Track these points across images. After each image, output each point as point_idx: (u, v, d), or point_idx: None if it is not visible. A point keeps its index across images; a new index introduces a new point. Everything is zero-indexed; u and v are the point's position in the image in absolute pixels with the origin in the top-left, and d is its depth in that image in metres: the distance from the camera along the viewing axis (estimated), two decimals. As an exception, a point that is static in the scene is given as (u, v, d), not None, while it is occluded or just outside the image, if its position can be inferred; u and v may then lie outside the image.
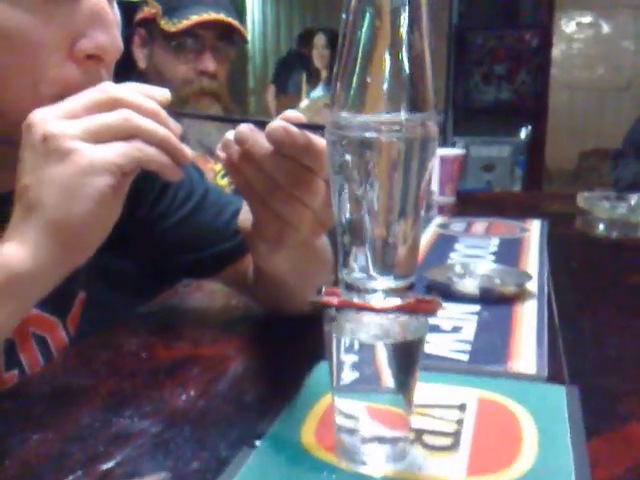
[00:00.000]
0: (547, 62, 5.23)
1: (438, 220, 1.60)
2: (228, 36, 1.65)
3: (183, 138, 0.64)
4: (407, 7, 0.45)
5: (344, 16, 0.46)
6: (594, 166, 4.81)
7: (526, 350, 0.77)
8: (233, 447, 0.56)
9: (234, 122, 0.64)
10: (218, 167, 1.65)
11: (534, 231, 1.45)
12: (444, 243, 1.34)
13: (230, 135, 0.61)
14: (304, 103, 3.30)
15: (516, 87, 5.24)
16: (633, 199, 1.74)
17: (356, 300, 0.49)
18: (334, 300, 0.51)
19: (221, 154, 0.63)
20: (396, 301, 0.49)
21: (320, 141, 0.59)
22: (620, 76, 5.31)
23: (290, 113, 0.60)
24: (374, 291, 0.49)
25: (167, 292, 1.01)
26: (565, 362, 0.74)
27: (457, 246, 1.31)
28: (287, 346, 0.80)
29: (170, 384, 0.69)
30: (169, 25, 1.56)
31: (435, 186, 1.87)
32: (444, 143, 4.71)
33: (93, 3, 0.66)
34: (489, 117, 5.17)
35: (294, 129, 0.58)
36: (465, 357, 0.75)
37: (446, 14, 5.11)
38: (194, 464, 0.53)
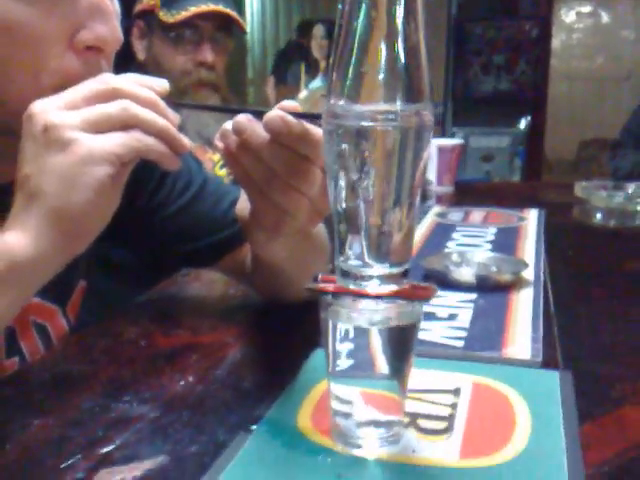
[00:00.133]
0: (546, 52, 5.21)
1: (436, 209, 1.61)
2: (226, 27, 1.65)
3: (181, 128, 0.65)
4: (403, -2, 0.46)
5: (340, 6, 0.47)
6: (593, 156, 4.81)
7: (521, 336, 0.78)
8: (231, 431, 0.57)
9: (232, 112, 0.65)
10: (216, 157, 1.65)
11: (531, 220, 1.46)
12: (441, 232, 1.35)
13: (228, 125, 0.62)
14: (303, 94, 3.30)
15: (515, 77, 5.22)
16: (630, 188, 1.75)
17: (352, 287, 0.50)
18: (330, 287, 0.51)
19: (219, 144, 0.63)
20: (391, 287, 0.50)
21: (317, 130, 0.59)
22: (620, 66, 5.30)
23: (287, 103, 0.61)
24: (370, 278, 0.50)
25: (166, 281, 1.01)
26: (560, 348, 0.75)
27: (454, 235, 1.32)
28: (284, 334, 0.81)
29: (169, 371, 0.70)
30: (168, 16, 1.56)
31: (433, 176, 1.87)
32: (443, 134, 4.71)
33: None
34: (488, 107, 5.16)
35: (291, 118, 0.59)
36: (460, 343, 0.76)
37: (445, 5, 5.10)
38: (192, 448, 0.54)
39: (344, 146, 0.48)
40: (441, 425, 0.58)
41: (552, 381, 0.66)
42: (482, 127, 4.96)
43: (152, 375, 0.69)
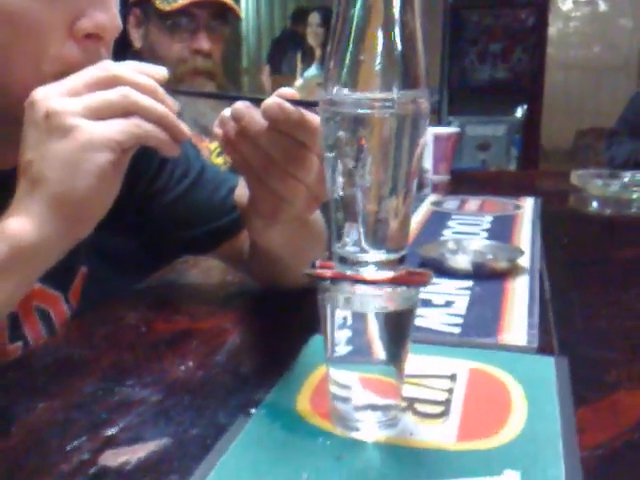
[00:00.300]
0: (543, 41, 5.20)
1: (432, 198, 1.62)
2: (222, 15, 1.65)
3: (180, 115, 0.65)
4: (399, -14, 0.46)
5: (337, -6, 0.47)
6: (590, 145, 4.81)
7: (517, 323, 0.79)
8: (231, 415, 0.58)
9: (230, 99, 0.65)
10: (213, 146, 1.66)
11: (527, 208, 1.46)
12: (437, 220, 1.36)
13: (227, 112, 0.63)
14: (298, 82, 3.30)
15: (512, 66, 5.22)
16: (626, 177, 1.76)
17: (349, 273, 0.51)
18: (328, 273, 0.52)
19: (218, 130, 0.64)
20: (388, 273, 0.51)
21: (314, 117, 0.60)
22: (617, 55, 5.30)
23: (285, 90, 0.61)
24: (366, 264, 0.51)
25: (165, 268, 1.02)
26: (555, 334, 0.76)
27: (450, 223, 1.33)
28: (283, 320, 0.81)
29: (170, 356, 0.71)
30: (164, 4, 1.56)
31: (429, 164, 1.88)
32: (439, 122, 4.70)
33: None
34: (484, 96, 5.16)
35: (288, 106, 0.60)
36: (457, 330, 0.77)
37: (441, -8, 5.09)
38: (194, 431, 0.55)
39: (341, 133, 0.48)
40: (438, 409, 0.59)
41: (548, 367, 0.67)
42: (478, 116, 4.96)
43: (153, 360, 0.70)
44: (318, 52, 4.14)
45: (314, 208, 0.71)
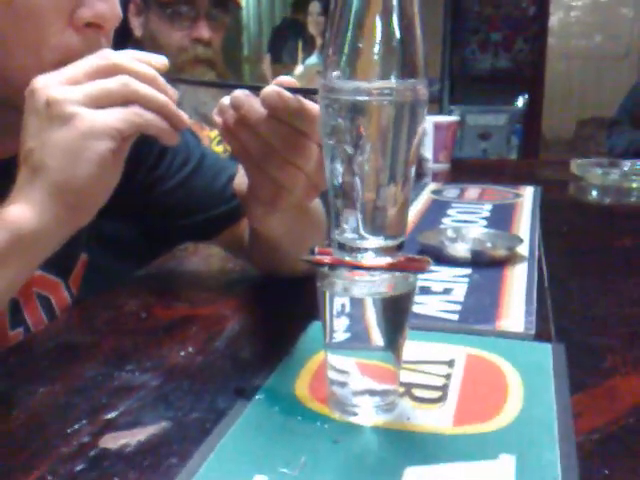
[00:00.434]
0: (544, 30, 5.19)
1: (432, 186, 1.62)
2: (223, 3, 1.65)
3: (179, 105, 0.66)
4: (398, -27, 0.47)
5: (336, -18, 0.48)
6: (591, 135, 4.80)
7: (515, 310, 0.79)
8: (230, 400, 0.58)
9: (229, 87, 0.66)
10: (213, 134, 1.66)
11: (527, 197, 1.47)
12: (437, 209, 1.36)
13: (226, 100, 0.63)
14: (298, 70, 3.29)
15: (513, 55, 5.21)
16: (626, 166, 1.76)
17: (347, 259, 0.51)
18: (326, 259, 0.52)
19: (217, 119, 0.64)
20: (386, 259, 0.51)
21: (313, 105, 0.60)
22: (618, 44, 5.28)
23: (284, 78, 0.62)
24: (365, 250, 0.51)
25: (165, 256, 1.03)
26: (553, 321, 0.76)
27: (450, 211, 1.33)
28: (282, 307, 0.82)
29: (169, 342, 0.71)
30: (164, -8, 1.56)
31: (429, 153, 1.88)
32: (440, 111, 4.70)
33: None
34: (485, 85, 5.15)
35: (287, 94, 0.60)
36: (455, 317, 0.77)
37: (442, -19, 5.08)
38: (193, 415, 0.56)
39: (340, 121, 0.49)
40: (435, 394, 0.59)
41: (545, 353, 0.67)
42: (479, 105, 4.95)
43: (153, 346, 0.70)
44: (319, 41, 4.13)
45: (313, 196, 0.71)
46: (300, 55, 3.65)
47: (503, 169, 2.16)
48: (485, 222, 1.24)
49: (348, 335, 0.53)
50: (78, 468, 0.49)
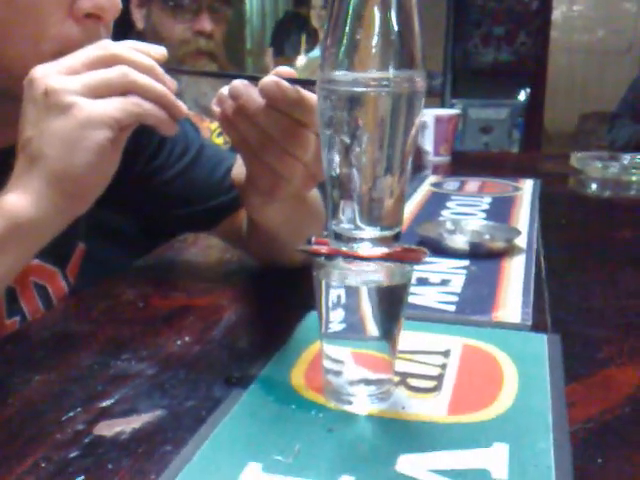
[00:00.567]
0: (547, 24, 5.18)
1: (432, 179, 1.62)
2: (225, -4, 1.65)
3: (179, 96, 0.66)
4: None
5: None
6: (593, 129, 4.79)
7: (512, 301, 0.79)
8: (226, 388, 0.58)
9: (228, 78, 0.66)
10: (214, 126, 1.66)
11: (527, 190, 1.47)
12: (436, 201, 1.36)
13: (225, 90, 0.63)
14: (301, 62, 3.29)
15: (515, 49, 5.20)
16: (625, 159, 1.76)
17: (344, 249, 0.52)
18: (323, 249, 0.53)
19: (216, 108, 0.64)
20: (382, 250, 0.51)
21: (311, 96, 0.61)
22: (621, 39, 5.27)
23: (282, 69, 0.62)
24: (361, 240, 0.51)
25: (163, 246, 1.03)
26: (550, 312, 0.76)
27: (449, 204, 1.33)
28: (279, 297, 0.82)
29: (166, 331, 0.71)
30: (166, -15, 1.56)
31: (430, 146, 1.88)
32: (442, 105, 4.70)
33: None
34: (488, 79, 5.14)
35: (286, 84, 0.60)
36: (452, 308, 0.78)
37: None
38: (188, 403, 0.56)
39: (337, 111, 0.49)
40: (430, 384, 0.60)
41: (540, 343, 0.68)
42: (481, 99, 4.95)
43: (150, 335, 0.70)
44: (322, 34, 4.12)
45: (311, 186, 0.72)
46: (303, 48, 3.65)
47: (503, 162, 2.16)
48: (484, 215, 1.24)
49: (344, 325, 0.53)
50: (72, 455, 0.49)
